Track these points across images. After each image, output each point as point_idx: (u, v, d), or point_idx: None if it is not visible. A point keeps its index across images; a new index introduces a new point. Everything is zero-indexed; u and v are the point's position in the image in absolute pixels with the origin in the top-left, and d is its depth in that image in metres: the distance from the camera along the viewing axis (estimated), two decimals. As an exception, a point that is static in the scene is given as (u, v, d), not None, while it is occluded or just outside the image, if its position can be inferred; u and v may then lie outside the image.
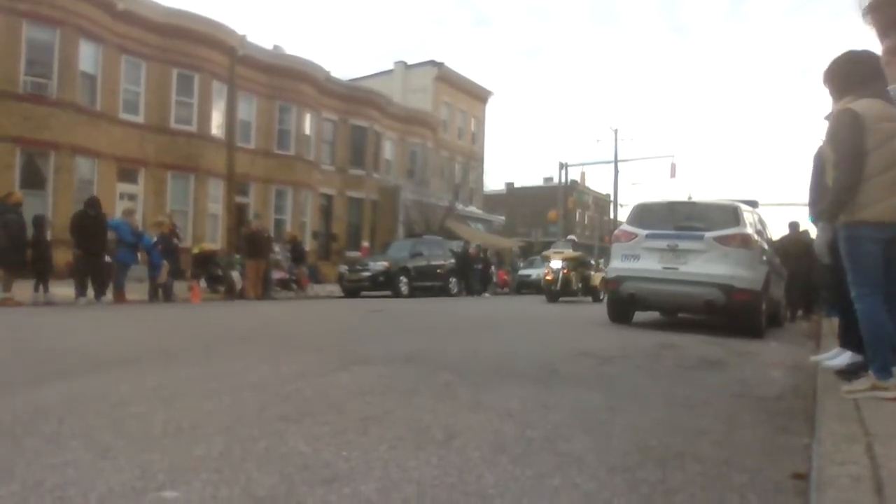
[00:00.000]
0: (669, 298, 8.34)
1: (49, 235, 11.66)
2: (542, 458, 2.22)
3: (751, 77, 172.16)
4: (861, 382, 3.24)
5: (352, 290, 17.60)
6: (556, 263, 16.44)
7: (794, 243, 11.20)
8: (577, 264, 17.17)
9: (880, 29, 4.09)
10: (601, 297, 17.06)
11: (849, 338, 4.45)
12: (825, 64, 3.73)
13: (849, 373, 3.79)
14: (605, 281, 11.70)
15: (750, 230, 8.02)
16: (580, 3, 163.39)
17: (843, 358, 4.44)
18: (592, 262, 19.89)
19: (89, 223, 10.98)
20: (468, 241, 22.84)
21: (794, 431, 2.84)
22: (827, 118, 4.00)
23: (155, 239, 12.68)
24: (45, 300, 10.50)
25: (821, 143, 4.44)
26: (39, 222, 11.22)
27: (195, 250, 15.70)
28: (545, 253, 19.21)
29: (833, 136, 3.47)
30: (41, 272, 10.75)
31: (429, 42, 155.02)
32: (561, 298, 16.42)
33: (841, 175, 3.35)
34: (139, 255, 12.26)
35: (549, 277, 16.51)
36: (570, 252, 17.52)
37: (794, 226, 11.91)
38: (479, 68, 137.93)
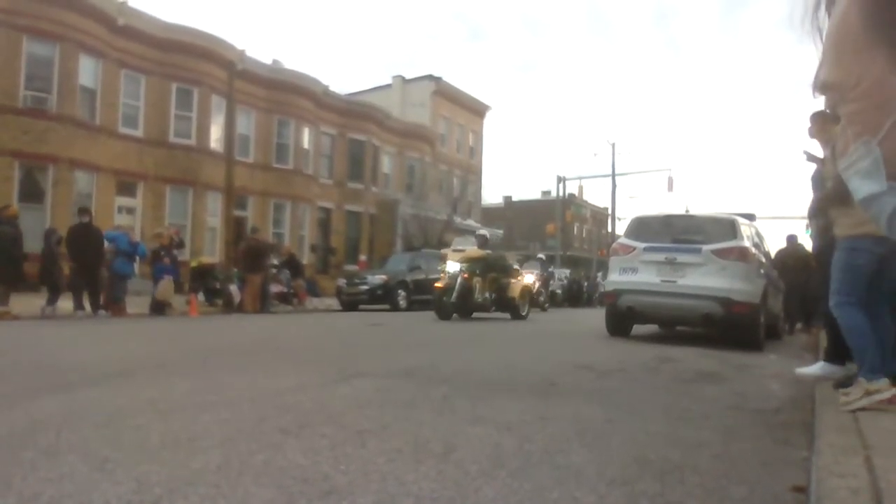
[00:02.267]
0: (668, 311, 8.34)
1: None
2: (540, 472, 2.22)
3: (746, 89, 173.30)
4: (854, 391, 3.25)
5: (350, 303, 17.56)
6: (452, 266, 12.14)
7: (792, 256, 11.23)
8: (487, 268, 12.71)
9: (824, 141, 4.22)
10: (524, 313, 13.55)
11: (835, 349, 4.56)
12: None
13: (845, 385, 3.80)
14: (603, 294, 11.41)
15: (747, 243, 8.04)
16: (574, 17, 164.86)
17: (816, 366, 4.55)
18: (516, 265, 14.87)
19: (83, 235, 10.97)
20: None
21: (793, 444, 2.83)
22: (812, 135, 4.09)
23: (162, 252, 12.63)
24: (42, 314, 10.45)
25: (815, 166, 4.52)
26: (49, 235, 11.28)
27: (193, 264, 15.70)
28: (443, 251, 14.82)
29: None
30: (52, 286, 10.71)
31: (425, 56, 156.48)
32: (459, 313, 12.43)
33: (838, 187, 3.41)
34: (136, 265, 12.27)
35: (439, 285, 12.18)
36: (474, 251, 12.96)
37: (791, 238, 11.95)
38: (475, 82, 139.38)
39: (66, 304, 10.92)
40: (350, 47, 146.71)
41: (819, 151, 4.41)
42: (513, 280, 13.50)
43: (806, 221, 5.17)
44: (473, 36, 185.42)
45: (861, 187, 0.90)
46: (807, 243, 10.57)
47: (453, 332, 9.55)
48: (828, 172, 3.78)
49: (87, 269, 10.88)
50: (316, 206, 26.54)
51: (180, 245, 13.76)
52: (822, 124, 4.30)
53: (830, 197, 3.60)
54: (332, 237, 27.84)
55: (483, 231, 14.68)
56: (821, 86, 0.96)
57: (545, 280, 21.26)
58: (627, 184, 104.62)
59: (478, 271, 12.42)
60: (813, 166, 4.62)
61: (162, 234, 13.38)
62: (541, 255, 23.29)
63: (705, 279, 7.79)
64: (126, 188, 19.85)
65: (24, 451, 2.26)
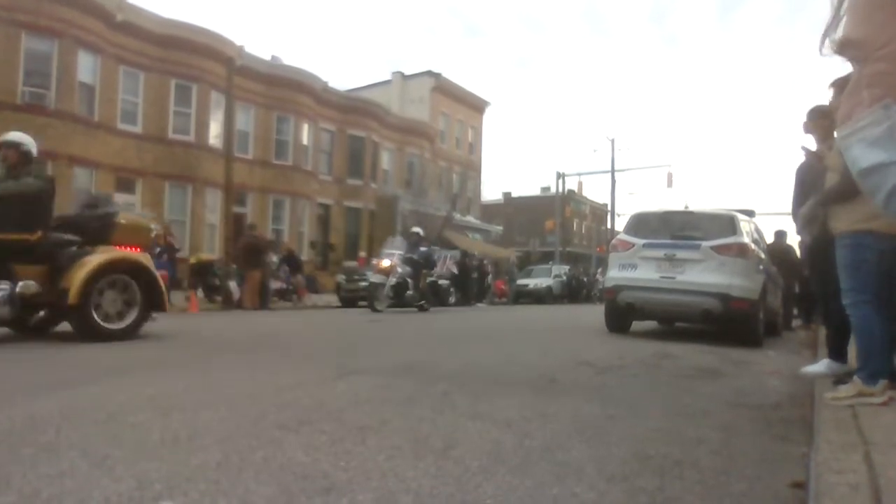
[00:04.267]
0: (667, 307, 8.34)
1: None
2: (540, 468, 2.22)
3: (745, 85, 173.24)
4: (847, 388, 3.25)
5: (349, 299, 17.59)
6: None
7: (778, 251, 11.19)
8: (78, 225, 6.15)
9: (821, 136, 4.24)
10: (123, 325, 6.10)
11: (833, 345, 4.56)
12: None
13: (844, 382, 3.80)
14: (602, 290, 11.08)
15: (747, 239, 8.05)
16: (571, 12, 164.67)
17: (821, 364, 4.54)
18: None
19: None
20: (466, 251, 22.81)
21: (792, 440, 2.84)
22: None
23: (158, 249, 12.63)
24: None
25: (804, 158, 4.52)
26: None
27: (192, 260, 15.70)
28: None
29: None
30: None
31: (423, 52, 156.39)
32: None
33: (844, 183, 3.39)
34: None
35: None
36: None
37: (780, 234, 11.97)
38: (474, 78, 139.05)
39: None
40: (349, 43, 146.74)
41: (815, 146, 4.40)
42: (88, 254, 5.94)
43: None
44: (470, 32, 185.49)
45: (864, 155, 0.84)
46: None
47: (453, 329, 9.56)
48: (832, 164, 3.74)
49: None
50: (315, 202, 26.54)
51: (157, 246, 13.49)
52: (818, 119, 4.30)
53: (834, 194, 3.53)
54: (332, 233, 27.85)
55: (11, 135, 5.97)
56: (842, 43, 0.89)
57: (417, 265, 14.36)
58: (627, 180, 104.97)
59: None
60: (801, 159, 4.62)
61: (158, 234, 13.34)
62: (416, 229, 15.85)
63: (704, 275, 7.79)
64: (125, 184, 19.84)
65: (23, 447, 2.26)
